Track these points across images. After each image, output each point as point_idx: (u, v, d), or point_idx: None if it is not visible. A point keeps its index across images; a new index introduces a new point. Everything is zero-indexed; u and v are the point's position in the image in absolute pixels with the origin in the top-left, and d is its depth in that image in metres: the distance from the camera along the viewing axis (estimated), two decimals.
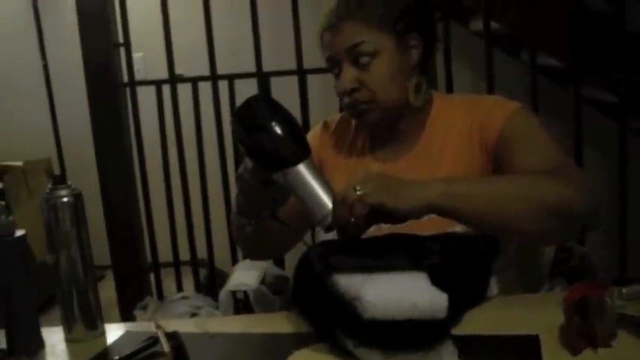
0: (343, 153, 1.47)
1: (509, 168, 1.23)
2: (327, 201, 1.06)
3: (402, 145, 1.39)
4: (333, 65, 1.34)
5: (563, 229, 1.13)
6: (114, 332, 1.21)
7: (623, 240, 2.69)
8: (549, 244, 1.51)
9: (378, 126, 1.37)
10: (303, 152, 1.10)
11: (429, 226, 1.14)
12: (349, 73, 1.30)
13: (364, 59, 1.29)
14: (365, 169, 1.41)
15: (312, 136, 1.53)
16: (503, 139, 1.26)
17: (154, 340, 1.08)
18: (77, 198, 1.16)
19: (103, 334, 1.20)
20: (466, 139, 1.32)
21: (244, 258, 2.70)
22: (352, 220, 1.02)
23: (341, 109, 2.54)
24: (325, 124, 1.53)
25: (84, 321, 1.18)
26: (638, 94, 2.62)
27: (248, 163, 1.17)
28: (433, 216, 1.06)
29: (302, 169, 1.08)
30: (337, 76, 1.34)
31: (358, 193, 1.02)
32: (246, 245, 1.47)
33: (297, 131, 1.13)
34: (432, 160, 1.34)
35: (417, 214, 1.04)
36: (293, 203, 1.17)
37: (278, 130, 1.09)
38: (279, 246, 1.51)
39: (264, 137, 1.10)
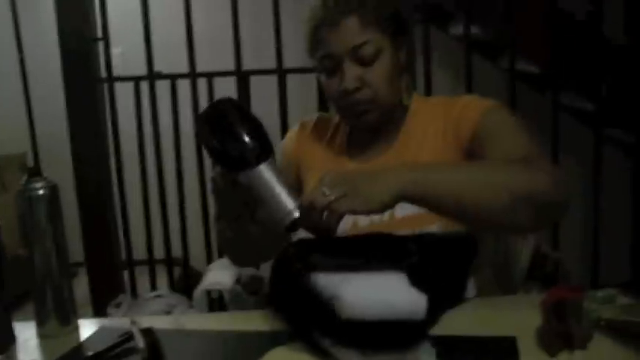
0: (320, 153, 1.46)
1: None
2: (285, 203, 1.05)
3: (379, 144, 1.39)
4: (329, 63, 1.30)
5: (533, 217, 1.08)
6: (88, 328, 1.19)
7: (595, 246, 2.72)
8: (520, 233, 1.47)
9: (374, 127, 1.35)
10: (264, 154, 1.08)
11: (405, 225, 1.14)
12: (352, 72, 1.28)
13: (368, 58, 1.27)
14: (341, 168, 1.39)
15: (289, 138, 1.52)
16: (478, 135, 1.26)
17: (129, 336, 1.06)
18: (53, 191, 1.14)
19: (76, 329, 1.19)
20: (441, 138, 1.32)
21: (220, 257, 2.69)
22: (323, 222, 1.02)
23: (320, 109, 2.56)
24: (302, 125, 1.52)
25: (57, 316, 1.16)
26: (615, 102, 2.66)
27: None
28: (408, 206, 1.05)
29: (262, 170, 1.06)
30: (331, 74, 1.30)
31: (327, 198, 1.01)
32: (229, 250, 1.43)
33: (258, 133, 1.10)
34: (408, 160, 1.33)
35: (389, 207, 1.03)
36: None
37: (238, 131, 1.08)
38: (263, 251, 1.41)
39: (225, 138, 1.08)
